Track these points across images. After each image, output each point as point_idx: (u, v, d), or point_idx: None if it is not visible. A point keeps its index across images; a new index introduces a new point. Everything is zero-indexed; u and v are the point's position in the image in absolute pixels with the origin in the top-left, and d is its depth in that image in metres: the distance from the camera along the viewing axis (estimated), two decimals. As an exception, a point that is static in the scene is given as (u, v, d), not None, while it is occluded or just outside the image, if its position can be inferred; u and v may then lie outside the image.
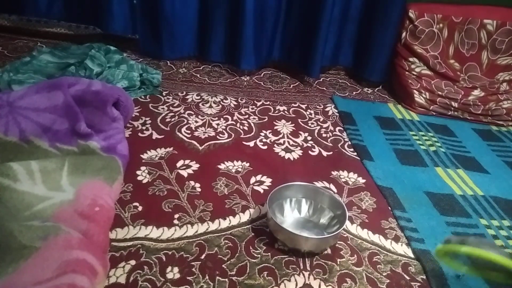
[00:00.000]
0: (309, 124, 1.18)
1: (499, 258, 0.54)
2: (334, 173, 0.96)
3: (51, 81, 0.89)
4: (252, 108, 1.21)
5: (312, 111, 1.26)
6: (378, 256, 0.73)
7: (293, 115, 1.21)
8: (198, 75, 1.39)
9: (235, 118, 1.14)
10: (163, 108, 1.13)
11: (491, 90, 1.38)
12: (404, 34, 1.38)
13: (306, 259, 0.70)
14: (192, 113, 1.13)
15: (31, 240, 0.55)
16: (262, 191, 0.86)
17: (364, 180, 0.95)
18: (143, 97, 1.17)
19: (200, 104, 1.19)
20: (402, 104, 1.39)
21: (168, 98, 1.19)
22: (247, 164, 0.94)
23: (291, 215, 0.79)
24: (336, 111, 1.28)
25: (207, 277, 0.64)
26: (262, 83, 1.41)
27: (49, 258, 0.54)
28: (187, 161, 0.92)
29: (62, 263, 0.53)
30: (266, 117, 1.18)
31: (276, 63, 1.53)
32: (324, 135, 1.13)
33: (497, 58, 1.38)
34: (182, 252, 0.67)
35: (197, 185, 0.85)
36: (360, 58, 1.47)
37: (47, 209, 0.64)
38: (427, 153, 1.10)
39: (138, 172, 0.85)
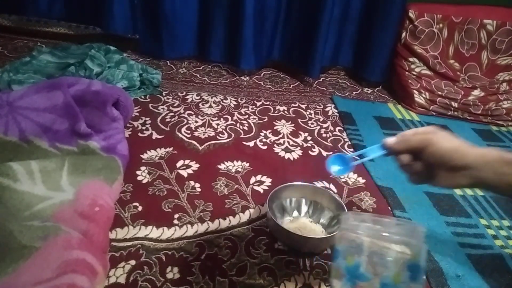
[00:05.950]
0: (309, 124, 1.18)
1: None
2: (334, 173, 0.96)
3: (51, 81, 0.89)
4: (252, 108, 1.21)
5: (312, 111, 1.26)
6: (378, 256, 0.73)
7: (293, 115, 1.21)
8: (198, 75, 1.39)
9: (235, 118, 1.14)
10: (163, 108, 1.13)
11: (491, 90, 1.38)
12: (404, 34, 1.38)
13: (306, 259, 0.70)
14: (192, 113, 1.13)
15: (31, 240, 0.55)
16: (262, 191, 0.86)
17: (364, 180, 0.95)
18: (143, 97, 1.17)
19: (200, 104, 1.18)
20: (402, 104, 1.39)
21: (168, 98, 1.19)
22: (247, 164, 0.94)
23: (291, 215, 0.79)
24: (336, 111, 1.28)
25: (207, 277, 0.64)
26: (262, 83, 1.41)
27: (49, 258, 0.53)
28: (187, 161, 0.92)
29: (62, 263, 0.53)
30: (266, 117, 1.18)
31: (276, 63, 1.53)
32: (324, 135, 1.13)
33: (497, 58, 1.38)
34: (182, 252, 0.67)
35: (197, 185, 0.85)
36: (360, 58, 1.47)
37: (47, 209, 0.64)
38: (427, 153, 1.10)
39: (138, 172, 0.85)
